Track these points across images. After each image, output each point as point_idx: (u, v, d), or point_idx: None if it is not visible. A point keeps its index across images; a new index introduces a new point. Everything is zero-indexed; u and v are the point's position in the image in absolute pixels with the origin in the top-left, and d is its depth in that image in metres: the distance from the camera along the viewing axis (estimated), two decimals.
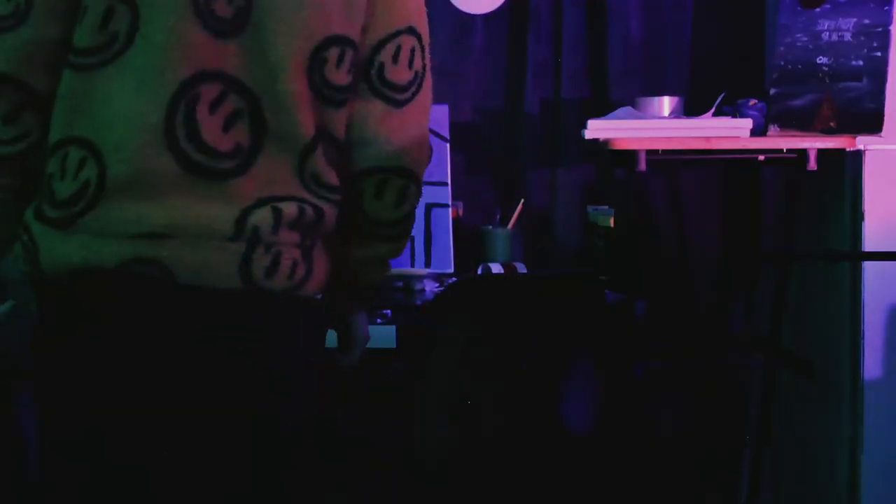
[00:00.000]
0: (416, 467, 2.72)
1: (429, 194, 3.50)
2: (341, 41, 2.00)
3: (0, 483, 3.59)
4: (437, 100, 3.61)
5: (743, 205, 3.82)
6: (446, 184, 3.51)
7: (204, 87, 1.91)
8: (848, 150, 3.29)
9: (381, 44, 2.06)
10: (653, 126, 3.37)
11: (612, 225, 3.59)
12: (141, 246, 1.89)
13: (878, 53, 3.30)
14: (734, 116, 3.42)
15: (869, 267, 3.25)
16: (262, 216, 1.93)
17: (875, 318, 3.26)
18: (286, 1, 1.95)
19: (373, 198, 2.11)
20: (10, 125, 1.94)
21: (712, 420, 3.83)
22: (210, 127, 1.91)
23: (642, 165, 3.28)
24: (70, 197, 1.90)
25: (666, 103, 3.50)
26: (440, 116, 3.56)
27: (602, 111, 3.54)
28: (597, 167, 3.81)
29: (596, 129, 3.35)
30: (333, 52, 1.99)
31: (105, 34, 1.90)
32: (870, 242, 3.24)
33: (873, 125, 3.29)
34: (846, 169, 3.32)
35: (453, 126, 3.59)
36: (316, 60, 1.98)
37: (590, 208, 3.68)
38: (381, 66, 2.06)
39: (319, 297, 2.06)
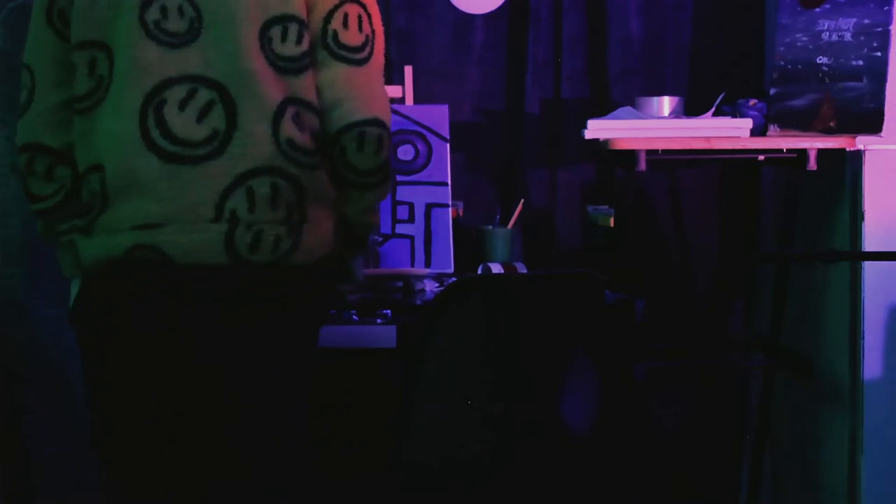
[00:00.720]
0: (415, 467, 2.72)
1: (429, 194, 3.50)
2: (280, 19, 2.35)
3: (2, 483, 3.59)
4: (437, 100, 3.67)
5: (743, 205, 3.82)
6: (446, 184, 3.51)
7: (169, 91, 2.30)
8: (848, 150, 3.29)
9: (329, 14, 2.40)
10: (653, 126, 3.37)
11: (612, 225, 3.59)
12: (141, 235, 2.28)
13: (878, 53, 3.30)
14: (734, 116, 3.42)
15: (869, 267, 3.25)
16: (238, 200, 2.28)
17: (875, 318, 3.26)
18: (227, 1, 2.32)
19: (356, 151, 2.39)
20: (50, 181, 2.41)
21: (712, 420, 3.83)
22: (181, 122, 2.29)
23: (642, 165, 3.28)
24: (87, 209, 2.35)
25: (666, 103, 3.50)
26: (440, 116, 3.56)
27: (602, 111, 3.54)
28: (597, 167, 3.81)
29: (596, 129, 3.35)
30: (275, 31, 2.35)
31: (94, 79, 2.35)
32: (870, 242, 3.24)
33: (873, 125, 3.29)
34: (846, 169, 3.32)
35: (453, 126, 3.59)
36: (264, 39, 2.33)
37: (590, 208, 3.68)
38: (335, 32, 2.40)
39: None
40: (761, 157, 3.43)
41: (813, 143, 3.29)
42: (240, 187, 2.28)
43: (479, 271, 3.38)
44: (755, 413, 3.61)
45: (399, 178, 3.49)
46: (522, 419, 2.76)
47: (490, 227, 3.54)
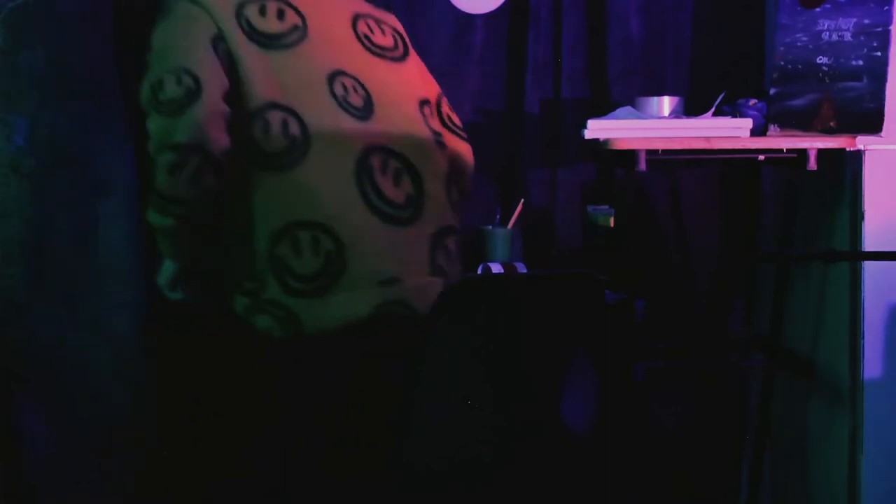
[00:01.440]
0: (415, 467, 2.72)
1: None
2: (425, 101, 2.76)
3: (2, 483, 3.60)
4: None
5: (743, 205, 3.82)
6: None
7: (372, 158, 2.57)
8: (848, 150, 3.29)
9: (439, 101, 2.87)
10: (653, 126, 3.37)
11: (611, 225, 3.59)
12: (386, 292, 2.51)
13: (878, 53, 3.30)
14: (734, 116, 3.42)
15: (869, 267, 3.25)
16: (441, 256, 2.63)
17: (875, 318, 3.26)
18: (388, 81, 2.69)
19: None
20: (194, 186, 2.49)
21: (712, 420, 3.83)
22: (386, 186, 2.57)
23: (642, 165, 3.28)
24: (318, 270, 2.48)
25: (666, 103, 3.50)
26: None
27: (602, 111, 3.54)
28: (597, 167, 3.81)
29: (596, 129, 3.35)
30: (426, 109, 2.76)
31: (287, 139, 2.52)
32: (870, 242, 3.24)
33: (873, 125, 3.29)
34: (846, 169, 3.32)
35: None
36: (422, 116, 2.72)
37: (590, 208, 3.68)
38: (449, 115, 2.88)
39: None
40: (761, 157, 3.43)
41: (813, 143, 3.29)
42: (439, 245, 2.64)
43: (479, 271, 3.38)
44: (755, 413, 3.61)
45: None
46: (522, 419, 2.76)
47: (490, 227, 3.55)
